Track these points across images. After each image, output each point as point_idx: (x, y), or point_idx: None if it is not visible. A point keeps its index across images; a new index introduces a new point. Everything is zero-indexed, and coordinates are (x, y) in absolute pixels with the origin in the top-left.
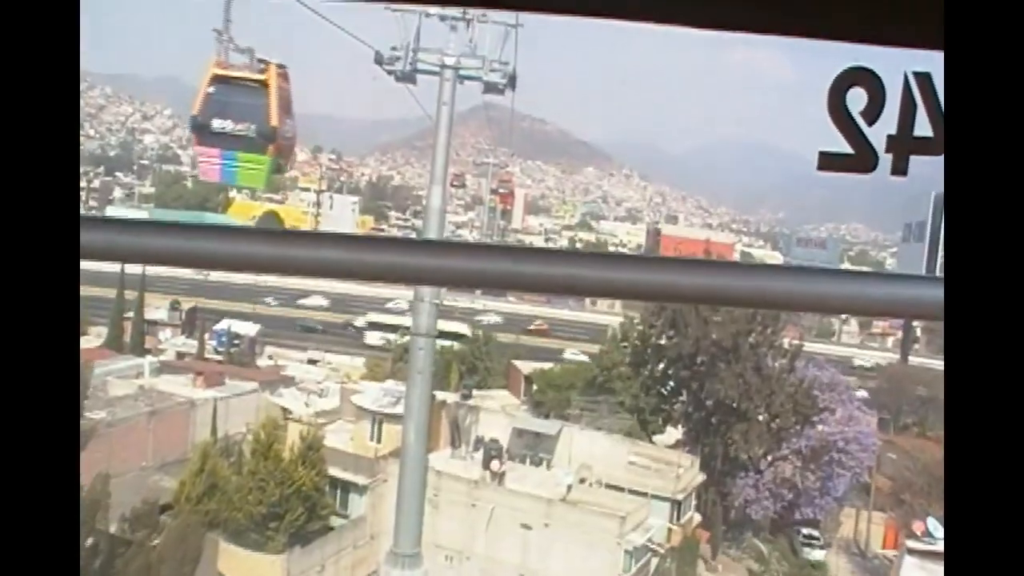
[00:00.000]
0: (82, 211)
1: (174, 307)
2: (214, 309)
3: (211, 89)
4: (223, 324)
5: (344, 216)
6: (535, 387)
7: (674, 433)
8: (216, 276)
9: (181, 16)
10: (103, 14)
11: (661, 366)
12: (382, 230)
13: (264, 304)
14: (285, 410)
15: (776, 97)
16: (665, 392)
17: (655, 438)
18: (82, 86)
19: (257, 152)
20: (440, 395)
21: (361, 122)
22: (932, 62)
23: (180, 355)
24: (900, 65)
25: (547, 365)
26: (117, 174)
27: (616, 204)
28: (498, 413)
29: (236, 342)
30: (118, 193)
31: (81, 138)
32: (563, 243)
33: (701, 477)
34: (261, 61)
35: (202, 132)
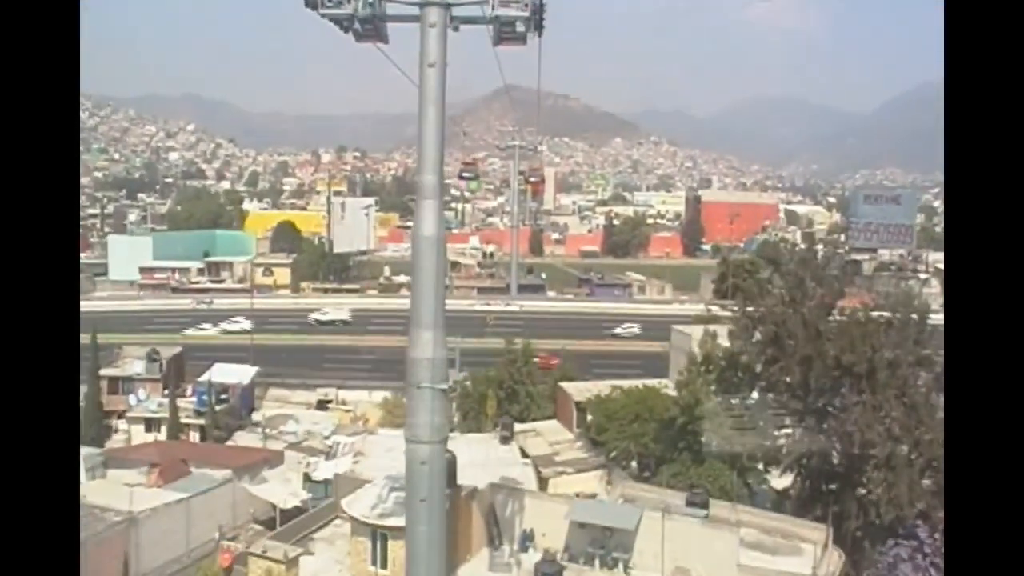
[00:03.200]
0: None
1: (152, 358)
2: (216, 346)
3: None
4: (209, 374)
5: (358, 220)
6: (590, 417)
7: (782, 482)
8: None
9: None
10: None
11: (755, 394)
12: (409, 226)
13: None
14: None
15: (797, 51)
16: (769, 427)
17: (756, 488)
18: (106, 111)
19: None
20: (476, 438)
21: (383, 116)
22: None
23: (149, 425)
24: None
25: (603, 384)
26: (140, 195)
27: (647, 172)
28: (553, 499)
29: (224, 396)
30: (133, 216)
31: (106, 163)
32: (599, 220)
33: (837, 557)
34: None
35: None
